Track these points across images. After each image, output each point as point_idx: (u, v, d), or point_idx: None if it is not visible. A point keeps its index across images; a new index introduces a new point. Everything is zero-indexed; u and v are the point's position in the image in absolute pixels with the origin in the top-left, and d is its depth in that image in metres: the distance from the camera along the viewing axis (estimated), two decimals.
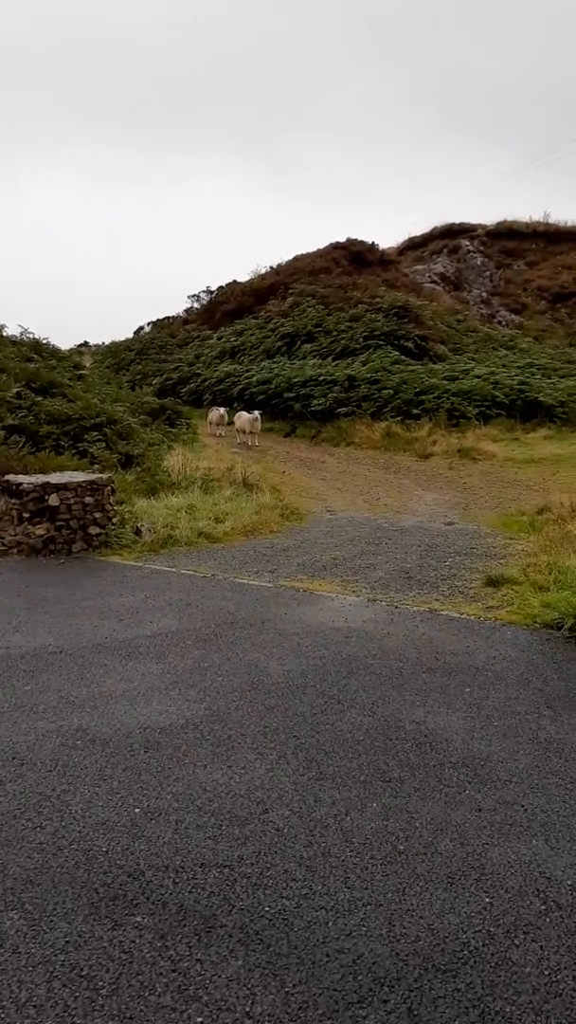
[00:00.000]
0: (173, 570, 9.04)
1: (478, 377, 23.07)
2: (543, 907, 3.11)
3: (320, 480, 17.31)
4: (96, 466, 13.12)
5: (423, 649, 6.15)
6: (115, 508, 10.67)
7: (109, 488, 10.50)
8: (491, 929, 2.98)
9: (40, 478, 10.30)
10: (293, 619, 6.99)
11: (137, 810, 3.86)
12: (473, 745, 4.51)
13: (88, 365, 32.58)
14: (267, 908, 3.13)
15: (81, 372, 17.76)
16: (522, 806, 3.86)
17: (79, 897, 3.23)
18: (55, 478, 10.36)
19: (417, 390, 21.92)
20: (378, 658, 5.93)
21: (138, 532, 10.68)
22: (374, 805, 3.87)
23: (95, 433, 14.41)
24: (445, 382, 22.46)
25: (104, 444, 14.32)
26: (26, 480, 10.03)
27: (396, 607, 7.37)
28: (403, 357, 25.00)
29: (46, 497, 9.89)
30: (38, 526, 9.86)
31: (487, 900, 3.15)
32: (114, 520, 10.53)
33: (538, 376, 24.04)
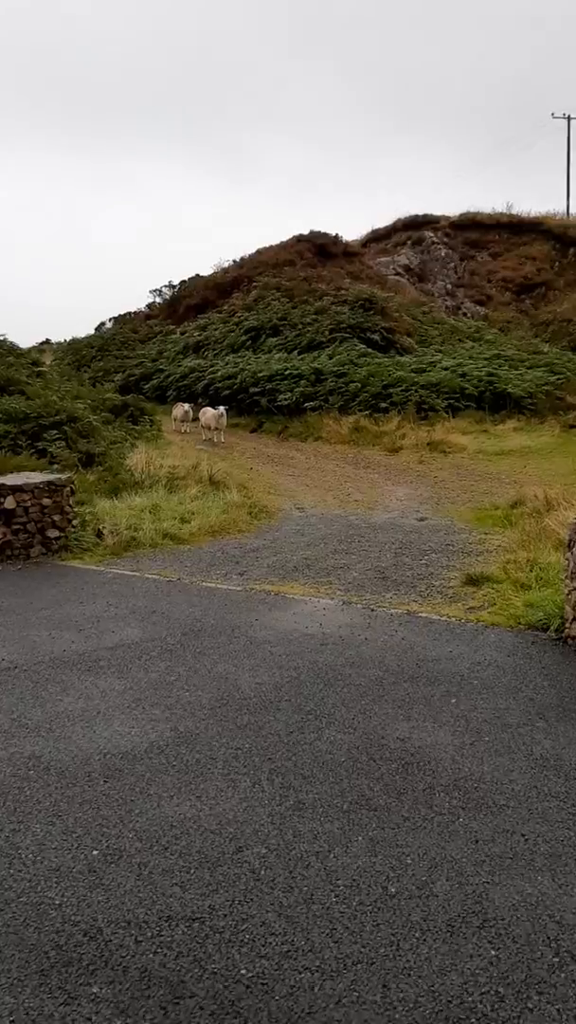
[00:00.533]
0: (137, 574, 8.60)
1: (446, 369, 22.83)
2: (555, 959, 2.76)
3: (289, 476, 16.92)
4: (55, 466, 12.60)
5: (404, 656, 5.79)
6: (75, 510, 10.18)
7: (68, 489, 10.01)
8: (500, 990, 2.62)
9: None
10: (265, 625, 6.59)
11: (95, 852, 3.44)
12: (464, 764, 4.15)
13: (49, 363, 31.88)
14: (243, 971, 2.74)
15: (40, 369, 17.18)
16: (522, 835, 3.51)
17: (27, 963, 2.81)
18: (11, 479, 9.85)
19: (385, 383, 21.61)
20: (356, 667, 5.56)
21: (100, 534, 10.21)
22: (360, 839, 3.50)
23: (54, 432, 13.87)
24: (413, 374, 22.18)
25: (64, 443, 13.79)
26: None
27: (373, 610, 7.01)
28: (370, 350, 24.68)
29: (1, 500, 9.38)
30: None
31: (493, 953, 2.78)
32: (74, 523, 10.04)
33: (505, 367, 23.83)
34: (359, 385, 21.65)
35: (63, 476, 10.18)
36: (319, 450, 19.83)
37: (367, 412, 20.86)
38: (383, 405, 20.99)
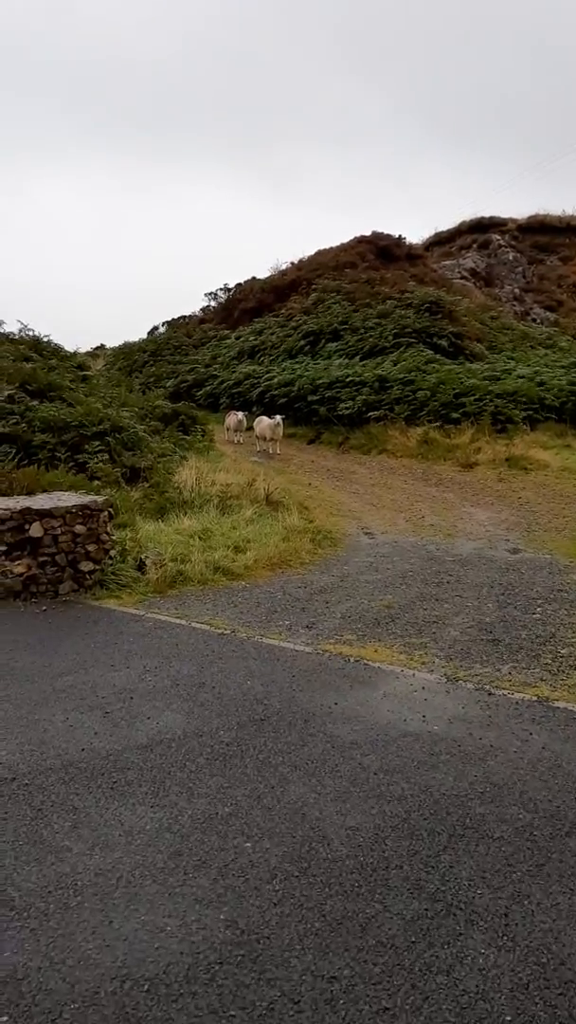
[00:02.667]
0: (182, 622, 7.05)
1: (522, 377, 20.94)
2: None
3: (352, 494, 15.27)
4: (96, 482, 11.16)
5: (554, 781, 4.10)
6: (113, 538, 8.69)
7: (106, 514, 8.54)
8: None
9: (20, 502, 8.34)
10: (348, 715, 4.96)
11: None
12: None
13: (100, 367, 30.75)
14: None
15: (86, 373, 15.86)
16: None
17: None
18: (40, 501, 8.40)
19: (456, 391, 19.82)
20: (489, 802, 3.89)
21: (141, 566, 8.70)
22: None
23: (97, 443, 12.45)
24: (486, 383, 20.34)
25: (107, 455, 12.36)
26: (1, 505, 8.07)
27: (490, 693, 5.32)
28: (437, 356, 22.89)
29: (26, 527, 7.93)
30: (17, 563, 7.90)
31: None
32: (112, 553, 8.56)
33: None
34: (428, 394, 19.90)
35: (100, 498, 8.71)
36: (384, 464, 18.13)
37: (437, 423, 19.09)
38: (454, 416, 19.20)
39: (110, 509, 8.67)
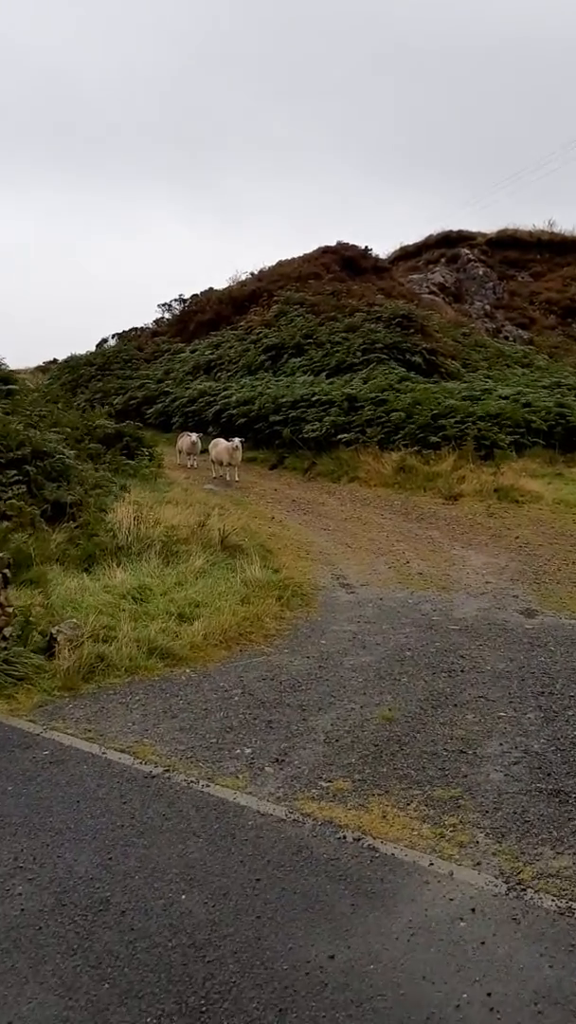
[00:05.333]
0: (94, 749, 4.82)
1: (504, 398, 19.08)
2: None
3: (322, 531, 13.15)
4: (5, 523, 8.87)
5: None
6: (10, 610, 6.41)
7: (1, 576, 6.28)
8: None
9: None
10: (353, 988, 2.79)
11: None
12: None
13: (41, 383, 28.31)
14: None
15: (10, 388, 13.59)
16: None
17: None
18: None
19: (434, 412, 17.84)
20: None
21: (50, 647, 6.45)
22: None
23: (12, 472, 10.14)
24: (467, 403, 18.42)
25: (25, 487, 10.06)
26: None
27: None
28: (411, 373, 20.97)
29: None
30: None
31: None
32: (7, 632, 6.27)
33: (571, 397, 20.12)
34: (403, 415, 17.88)
35: None
36: (356, 494, 16.02)
37: (414, 448, 17.07)
38: (433, 440, 17.19)
39: (6, 571, 6.41)
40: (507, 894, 3.39)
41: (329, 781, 4.42)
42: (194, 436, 18.55)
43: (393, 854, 3.69)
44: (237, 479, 16.96)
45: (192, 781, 4.40)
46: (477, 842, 3.80)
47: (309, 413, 19.03)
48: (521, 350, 28.70)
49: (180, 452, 18.79)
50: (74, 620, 6.86)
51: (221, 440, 17.29)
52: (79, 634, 6.59)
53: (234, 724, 5.24)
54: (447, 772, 4.51)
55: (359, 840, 3.81)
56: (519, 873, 3.53)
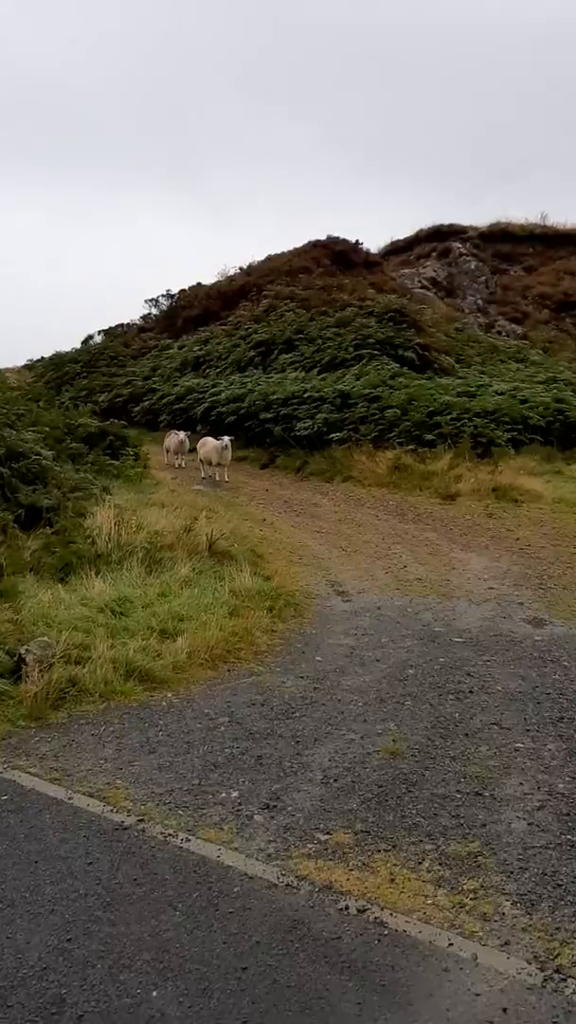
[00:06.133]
0: (59, 792, 4.24)
1: (500, 394, 18.55)
2: None
3: (315, 533, 12.58)
4: None
5: None
6: None
7: None
8: None
9: None
10: None
11: None
12: None
13: (27, 382, 27.63)
14: None
15: None
16: None
17: None
18: None
19: (430, 409, 17.29)
20: None
21: (18, 668, 5.86)
22: None
23: None
24: (463, 400, 17.88)
25: None
26: None
27: None
28: (404, 369, 20.41)
29: None
30: None
31: None
32: None
33: (568, 392, 19.61)
34: (398, 412, 17.31)
35: None
36: (350, 494, 15.45)
37: (410, 446, 16.51)
38: (429, 437, 16.64)
39: None
40: (543, 986, 2.82)
41: (328, 833, 3.86)
42: (182, 435, 17.96)
43: (406, 931, 3.12)
44: (227, 479, 16.37)
45: (170, 834, 3.83)
46: (503, 913, 3.24)
47: (300, 410, 18.45)
48: (515, 345, 28.19)
49: (167, 451, 18.20)
50: (45, 638, 6.28)
51: (210, 439, 16.69)
52: (50, 654, 6.00)
53: (219, 760, 4.66)
54: (462, 820, 3.95)
55: (364, 912, 3.24)
56: (556, 956, 2.97)
